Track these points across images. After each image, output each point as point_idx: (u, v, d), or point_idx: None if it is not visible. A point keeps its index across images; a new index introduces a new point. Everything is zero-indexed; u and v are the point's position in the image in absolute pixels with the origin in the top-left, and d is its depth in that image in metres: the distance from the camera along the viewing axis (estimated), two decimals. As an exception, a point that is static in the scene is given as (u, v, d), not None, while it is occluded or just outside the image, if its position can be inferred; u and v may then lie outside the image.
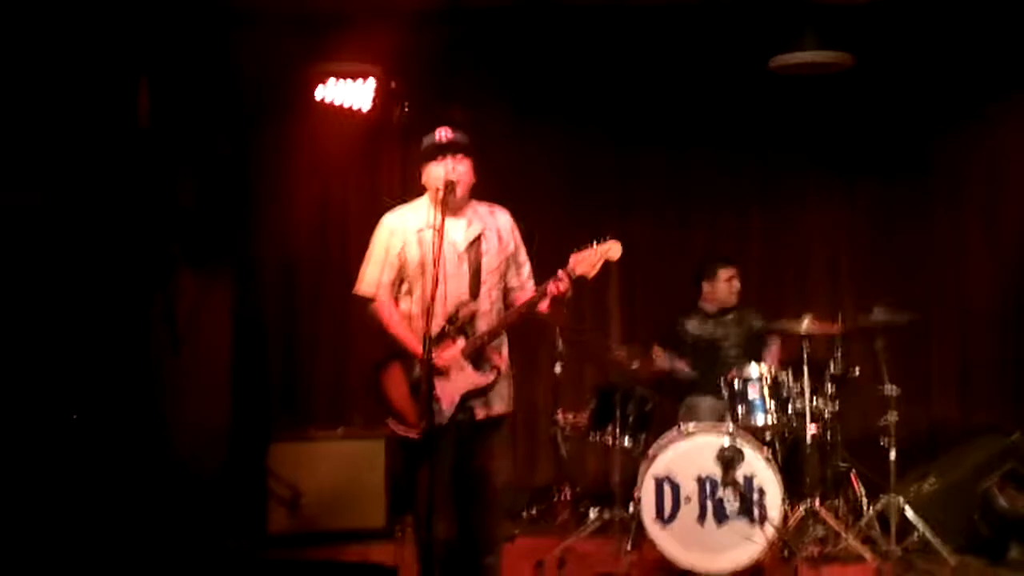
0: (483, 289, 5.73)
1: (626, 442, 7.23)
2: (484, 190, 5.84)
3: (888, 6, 6.89)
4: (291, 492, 7.53)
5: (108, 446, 6.82)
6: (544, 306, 5.62)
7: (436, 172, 5.68)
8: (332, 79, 7.79)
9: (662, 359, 7.81)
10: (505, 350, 5.83)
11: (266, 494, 7.55)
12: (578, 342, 7.74)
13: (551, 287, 5.54)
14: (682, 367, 7.83)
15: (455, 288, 5.65)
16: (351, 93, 7.86)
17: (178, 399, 7.54)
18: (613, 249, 5.59)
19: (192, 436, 7.56)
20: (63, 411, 6.67)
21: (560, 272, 5.55)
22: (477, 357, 5.68)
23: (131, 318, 7.09)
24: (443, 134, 5.74)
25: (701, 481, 6.81)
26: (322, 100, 7.86)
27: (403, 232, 5.74)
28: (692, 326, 7.91)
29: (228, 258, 7.99)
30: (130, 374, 7.04)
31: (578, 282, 5.58)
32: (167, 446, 7.31)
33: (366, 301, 5.78)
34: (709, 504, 6.78)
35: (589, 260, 5.55)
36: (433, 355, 5.47)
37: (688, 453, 6.87)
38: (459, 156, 5.71)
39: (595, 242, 5.59)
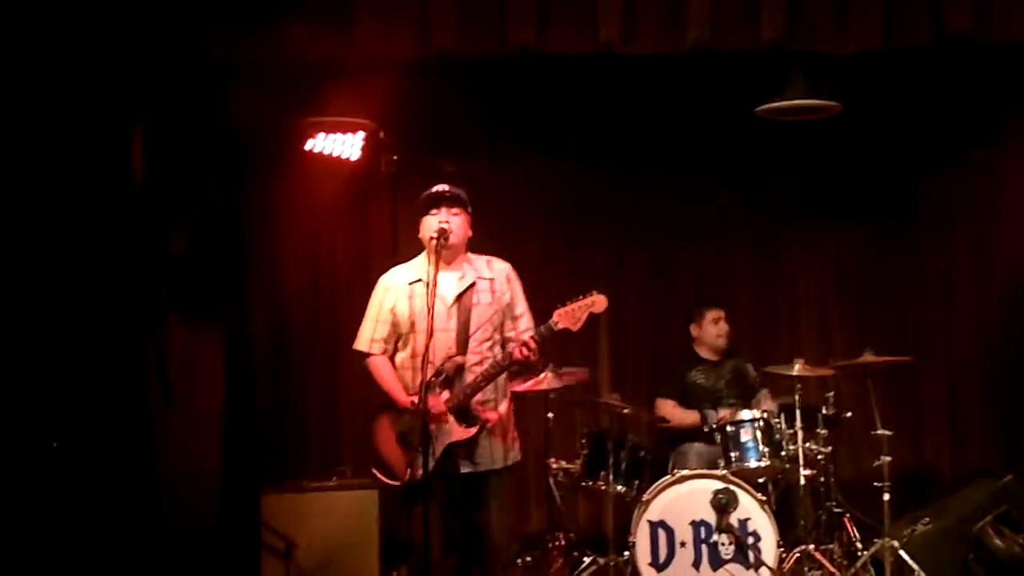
0: (472, 342, 5.76)
1: (619, 488, 7.21)
2: (473, 239, 5.94)
3: (874, 56, 6.80)
4: (284, 543, 7.44)
5: (98, 496, 6.74)
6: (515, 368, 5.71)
7: (430, 223, 5.79)
8: (322, 132, 7.81)
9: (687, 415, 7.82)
10: (504, 406, 5.88)
11: (259, 545, 7.46)
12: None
13: (517, 354, 5.61)
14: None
15: (444, 341, 5.74)
16: (341, 144, 7.89)
17: (169, 449, 7.45)
18: (598, 302, 5.66)
19: (184, 486, 7.45)
20: (49, 457, 6.66)
21: (542, 328, 5.62)
22: (462, 410, 5.72)
23: (121, 366, 7.03)
24: (439, 187, 5.88)
25: (696, 526, 6.83)
26: (312, 151, 7.87)
27: (396, 289, 5.90)
28: (695, 376, 7.91)
29: (219, 308, 7.91)
30: (120, 424, 6.95)
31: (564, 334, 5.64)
32: (158, 496, 7.23)
33: (362, 356, 5.96)
34: (704, 549, 6.81)
35: (573, 314, 5.62)
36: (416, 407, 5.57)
37: (682, 498, 6.88)
38: (454, 208, 5.81)
39: (580, 296, 5.64)
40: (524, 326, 5.91)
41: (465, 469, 5.75)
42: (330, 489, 7.66)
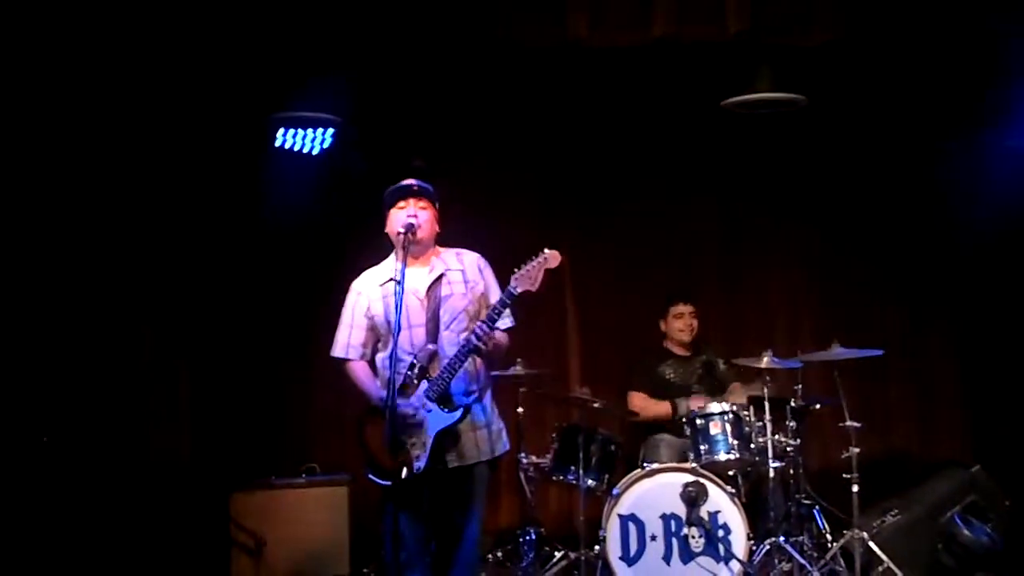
0: (444, 332, 5.75)
1: (590, 482, 7.18)
2: (443, 234, 5.94)
3: (840, 47, 6.90)
4: (254, 541, 7.43)
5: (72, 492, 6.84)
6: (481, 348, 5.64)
7: (398, 217, 5.77)
8: (290, 127, 7.77)
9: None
10: (487, 395, 5.89)
11: (229, 543, 7.45)
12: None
13: (472, 338, 5.58)
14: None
15: (421, 335, 5.74)
16: (309, 141, 7.84)
17: (139, 446, 7.48)
18: (551, 258, 5.63)
19: (153, 483, 7.47)
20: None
21: (502, 294, 5.60)
22: (443, 397, 5.68)
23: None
24: (406, 180, 5.85)
25: (666, 519, 6.82)
26: (281, 147, 7.82)
27: (368, 291, 5.90)
28: (664, 370, 7.91)
29: (191, 306, 7.89)
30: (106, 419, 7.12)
31: (524, 298, 5.60)
32: (127, 494, 7.25)
33: (341, 363, 5.96)
34: (674, 542, 6.80)
35: (529, 275, 5.60)
36: (396, 403, 5.52)
37: (652, 491, 6.88)
38: (422, 201, 5.79)
39: (532, 256, 5.63)
40: None
41: (453, 463, 5.74)
42: (300, 487, 7.67)
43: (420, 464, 5.61)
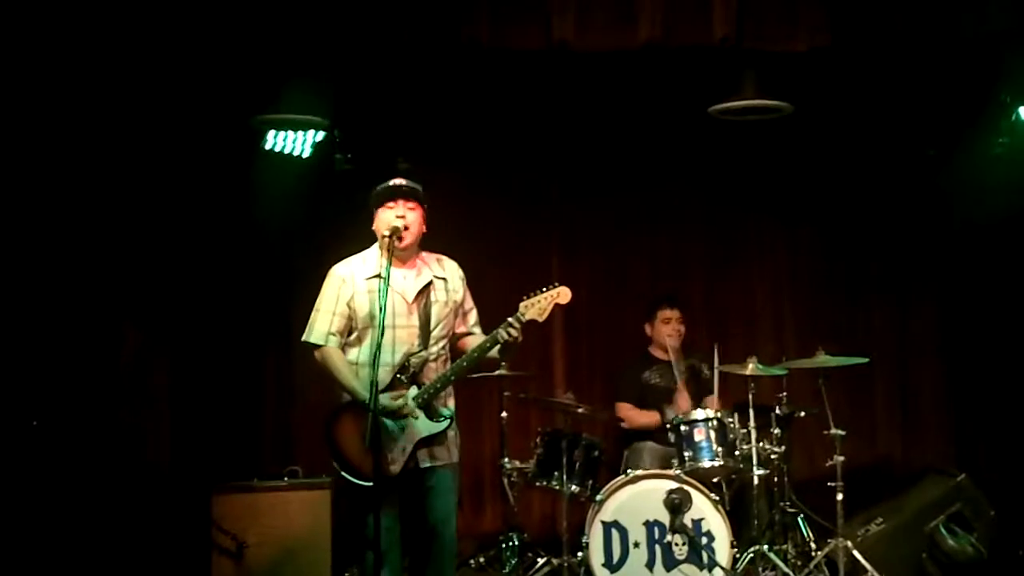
0: (432, 338, 5.74)
1: (573, 488, 7.16)
2: (428, 238, 5.88)
3: (826, 53, 6.84)
4: (235, 543, 7.34)
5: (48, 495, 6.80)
6: (495, 352, 5.66)
7: (385, 217, 5.71)
8: (277, 130, 7.75)
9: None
10: (452, 403, 5.84)
11: (210, 546, 7.35)
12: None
13: (503, 333, 5.57)
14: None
15: (405, 337, 5.69)
16: (295, 143, 7.84)
17: (117, 447, 7.41)
18: (562, 293, 5.67)
19: (132, 485, 7.40)
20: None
21: (511, 319, 5.59)
22: (429, 406, 5.66)
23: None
24: (396, 180, 5.80)
25: (649, 526, 6.79)
26: (268, 149, 7.82)
27: (352, 282, 5.78)
28: (648, 376, 7.89)
29: (172, 305, 7.82)
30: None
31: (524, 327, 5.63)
32: (105, 495, 7.20)
33: (315, 349, 5.81)
34: (658, 549, 6.78)
35: (539, 305, 5.63)
36: (384, 403, 5.50)
37: (636, 498, 6.85)
38: (410, 202, 5.73)
39: (544, 287, 5.66)
40: (473, 320, 5.95)
41: (424, 464, 5.69)
42: (281, 489, 7.58)
43: (396, 468, 5.58)
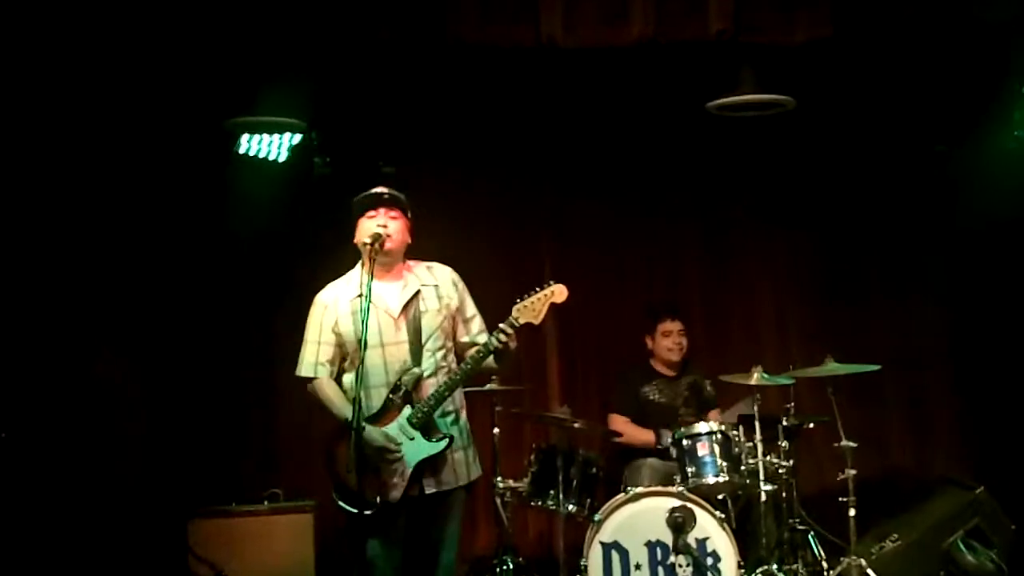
0: (425, 352, 5.69)
1: (570, 507, 7.07)
2: (414, 244, 5.87)
3: (828, 45, 6.83)
4: (213, 571, 7.35)
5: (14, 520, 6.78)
6: (491, 361, 5.59)
7: (366, 227, 5.63)
8: (252, 133, 7.74)
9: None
10: (463, 416, 5.79)
11: (186, 574, 7.38)
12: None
13: (493, 340, 5.51)
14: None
15: (396, 355, 5.64)
16: (271, 146, 7.82)
17: (88, 470, 7.41)
18: (557, 292, 5.63)
19: (105, 509, 7.41)
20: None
21: (502, 324, 5.52)
22: (426, 425, 5.55)
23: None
24: (377, 188, 5.77)
25: (651, 546, 6.73)
26: (242, 154, 7.78)
27: (335, 307, 5.76)
28: (649, 391, 7.81)
29: (147, 318, 7.82)
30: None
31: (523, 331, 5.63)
32: (76, 520, 7.17)
33: (307, 382, 5.83)
34: (660, 571, 6.68)
35: (533, 307, 5.59)
36: (375, 426, 5.51)
37: (636, 517, 6.79)
38: (392, 211, 5.66)
39: (538, 288, 5.64)
40: (477, 328, 5.85)
41: (430, 489, 5.64)
42: (262, 513, 7.59)
43: (397, 493, 5.53)
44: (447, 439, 5.60)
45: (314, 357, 5.76)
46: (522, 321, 5.56)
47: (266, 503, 7.62)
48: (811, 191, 8.67)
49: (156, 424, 7.87)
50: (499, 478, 7.37)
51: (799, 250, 8.80)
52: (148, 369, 7.87)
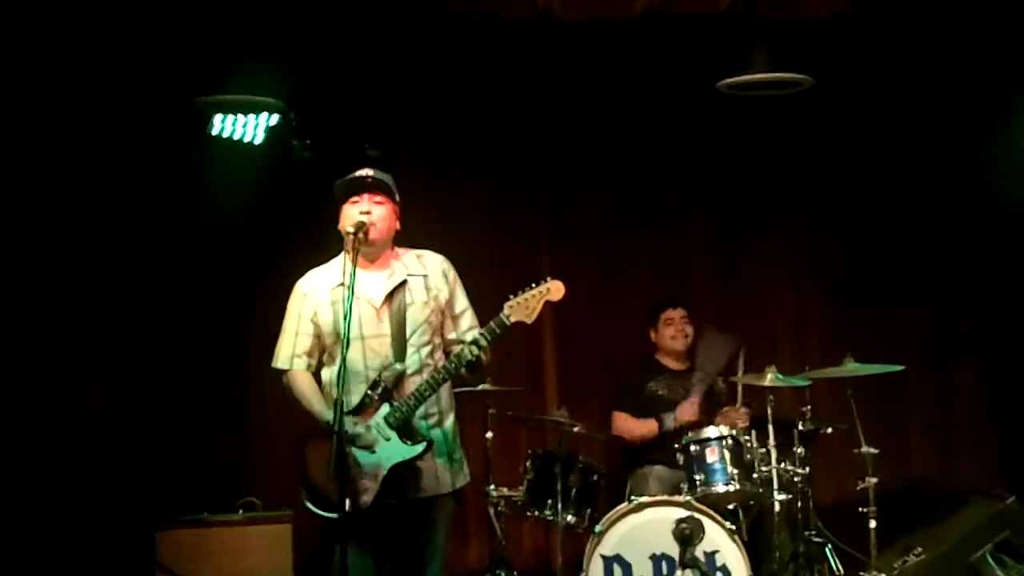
0: (409, 347, 5.56)
1: (569, 517, 6.99)
2: (399, 236, 5.76)
3: (849, 19, 6.83)
4: (183, 587, 7.17)
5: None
6: (463, 372, 5.47)
7: (349, 213, 5.54)
8: (225, 113, 7.59)
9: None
10: (449, 420, 5.67)
11: (154, 588, 7.20)
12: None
13: (467, 353, 5.38)
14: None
15: (377, 349, 5.51)
16: (246, 128, 7.67)
17: (44, 478, 7.29)
18: (553, 289, 5.47)
19: (63, 521, 7.28)
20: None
21: (492, 322, 5.41)
22: (404, 425, 5.44)
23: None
24: (361, 171, 5.65)
25: (656, 560, 6.64)
26: (215, 136, 7.63)
27: (315, 295, 5.67)
28: (653, 386, 7.67)
29: (112, 318, 7.70)
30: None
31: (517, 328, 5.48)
32: (32, 533, 7.06)
33: (281, 375, 5.72)
34: (665, 587, 6.53)
35: (527, 305, 5.44)
36: (350, 425, 5.35)
37: (640, 528, 6.71)
38: (378, 196, 5.55)
39: (532, 284, 5.48)
40: (467, 325, 5.70)
41: (410, 495, 5.49)
42: (236, 524, 7.45)
43: (368, 498, 5.36)
44: (425, 443, 5.42)
45: (291, 349, 5.66)
46: (513, 319, 5.40)
47: (241, 512, 7.47)
48: (829, 178, 8.55)
49: (120, 427, 7.72)
50: (492, 486, 7.28)
51: (816, 241, 8.68)
52: (112, 368, 7.74)
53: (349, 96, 7.95)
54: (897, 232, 8.57)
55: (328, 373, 5.62)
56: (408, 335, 5.53)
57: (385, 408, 5.41)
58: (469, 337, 5.54)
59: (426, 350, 5.56)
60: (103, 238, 7.64)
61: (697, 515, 6.61)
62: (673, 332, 7.69)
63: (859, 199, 8.54)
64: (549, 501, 7.00)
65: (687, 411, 7.34)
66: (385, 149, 7.34)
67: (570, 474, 7.03)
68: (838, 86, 7.89)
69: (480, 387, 7.09)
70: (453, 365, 5.41)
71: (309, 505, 5.49)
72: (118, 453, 7.69)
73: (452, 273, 5.74)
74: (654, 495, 6.94)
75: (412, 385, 5.47)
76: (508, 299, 5.44)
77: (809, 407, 7.20)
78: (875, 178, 8.51)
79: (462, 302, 5.72)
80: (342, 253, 5.62)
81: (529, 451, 7.31)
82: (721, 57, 7.48)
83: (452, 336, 5.67)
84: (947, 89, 7.95)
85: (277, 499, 7.48)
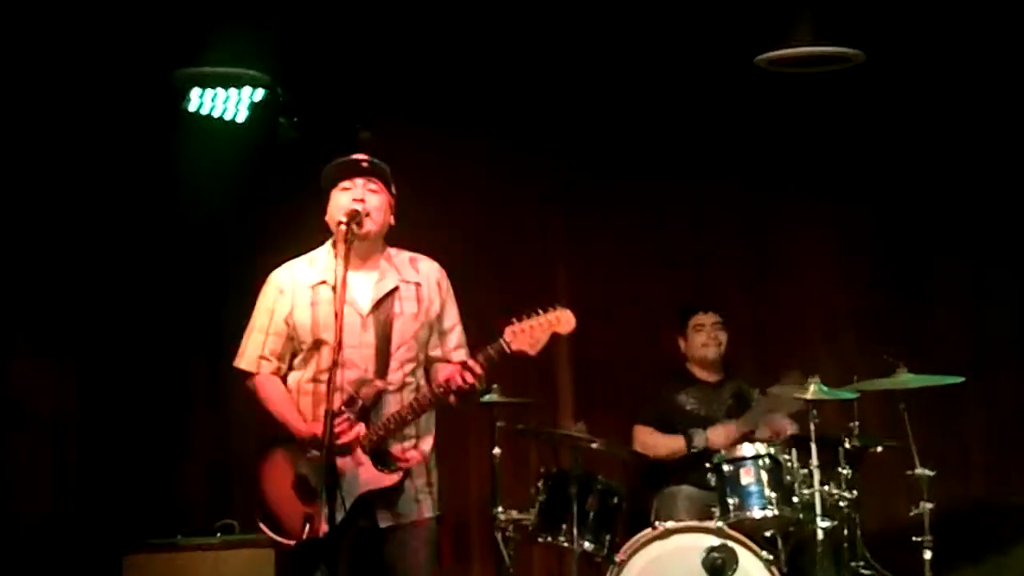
0: (393, 362, 5.34)
1: (586, 544, 6.75)
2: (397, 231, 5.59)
3: None
4: (153, 615, 7.00)
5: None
6: (452, 400, 5.26)
7: (340, 200, 5.30)
8: (204, 87, 7.47)
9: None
10: (427, 444, 5.43)
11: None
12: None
13: (455, 379, 5.16)
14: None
15: (357, 359, 5.28)
16: (227, 104, 7.59)
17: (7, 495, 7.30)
18: (563, 320, 5.26)
19: (24, 544, 7.25)
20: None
21: (490, 348, 5.21)
22: (380, 450, 5.24)
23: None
24: (355, 155, 5.44)
25: None
26: (191, 113, 7.51)
27: (293, 290, 5.44)
28: (682, 399, 7.43)
29: (74, 314, 7.64)
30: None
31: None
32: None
33: (246, 377, 5.50)
34: (694, 624, 6.44)
35: (531, 334, 5.22)
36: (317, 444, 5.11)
37: (666, 558, 6.54)
38: (372, 182, 5.33)
39: (539, 310, 5.26)
40: (454, 343, 5.49)
41: (385, 522, 5.27)
42: (213, 548, 7.36)
43: (324, 526, 5.05)
44: (400, 473, 5.22)
45: (258, 349, 5.42)
46: (515, 348, 5.18)
47: (219, 535, 7.37)
48: (882, 162, 8.28)
49: (81, 436, 7.67)
50: (500, 508, 7.07)
51: (865, 233, 8.42)
52: (70, 369, 7.67)
53: (341, 70, 7.82)
54: (957, 222, 8.28)
55: (296, 379, 5.40)
56: (393, 349, 5.33)
57: (360, 428, 5.21)
58: (455, 357, 5.43)
59: (410, 367, 5.37)
60: (72, 226, 7.58)
61: (730, 543, 6.45)
62: (704, 339, 7.48)
63: (913, 185, 8.28)
64: (563, 526, 6.77)
65: (721, 435, 7.10)
66: (379, 131, 7.23)
67: (587, 496, 6.83)
68: (892, 60, 7.63)
69: (486, 398, 6.87)
70: (440, 391, 5.20)
71: (263, 527, 5.33)
72: (78, 466, 7.63)
73: (446, 283, 5.57)
74: (682, 520, 6.75)
75: (391, 405, 5.29)
76: (511, 323, 5.23)
77: (857, 423, 6.97)
78: (931, 163, 8.27)
79: (452, 317, 5.54)
80: (325, 245, 5.45)
81: (541, 470, 7.10)
82: (759, 28, 7.20)
83: (436, 353, 5.47)
84: (1011, 69, 7.67)
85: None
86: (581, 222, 8.46)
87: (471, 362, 5.18)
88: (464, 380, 5.17)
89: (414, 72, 7.99)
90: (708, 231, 8.54)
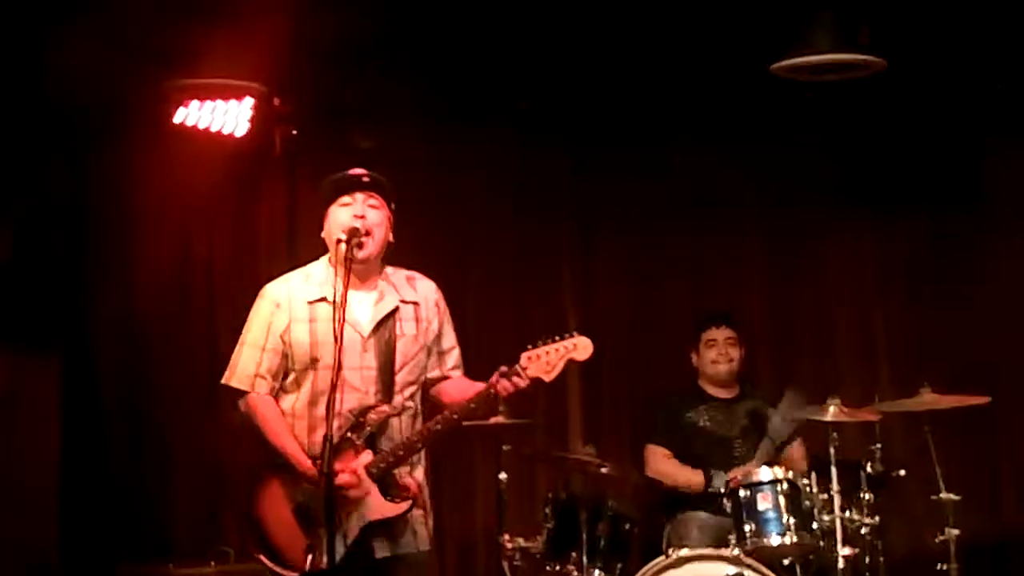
0: (397, 386, 5.30)
1: (596, 573, 6.74)
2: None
3: None
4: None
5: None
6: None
7: (340, 217, 5.24)
8: (196, 99, 7.45)
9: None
10: (420, 472, 5.37)
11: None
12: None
13: (501, 386, 5.11)
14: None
15: (358, 383, 5.23)
16: (221, 115, 7.56)
17: None
18: (580, 347, 5.20)
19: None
20: None
21: (505, 368, 5.13)
22: (386, 479, 5.16)
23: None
24: (354, 170, 5.40)
25: None
26: (183, 125, 7.47)
27: (289, 307, 5.33)
28: (696, 416, 7.36)
29: (57, 330, 7.61)
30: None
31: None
32: None
33: (238, 396, 5.35)
34: (709, 653, 6.43)
35: (548, 360, 5.17)
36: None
37: None
38: (373, 198, 5.29)
39: (556, 336, 5.20)
40: (452, 363, 5.48)
41: (382, 553, 5.20)
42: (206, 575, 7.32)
43: (325, 559, 4.94)
44: (410, 502, 5.17)
45: (252, 366, 5.30)
46: (531, 375, 5.14)
47: (213, 564, 7.28)
48: (906, 173, 8.27)
49: (71, 460, 7.59)
50: (506, 536, 7.04)
51: (888, 246, 8.45)
52: (58, 378, 7.62)
53: (339, 74, 7.73)
54: (983, 236, 8.27)
55: (288, 402, 5.32)
56: (396, 371, 5.30)
57: (366, 456, 5.16)
58: (457, 375, 5.47)
59: (410, 390, 5.35)
60: (59, 242, 7.55)
61: (747, 571, 6.40)
62: (715, 356, 7.41)
63: (939, 198, 8.23)
64: (572, 553, 6.78)
65: (743, 476, 6.96)
66: (380, 139, 7.32)
67: (598, 522, 6.82)
68: (917, 68, 7.59)
69: (492, 420, 6.80)
70: (456, 416, 5.15)
71: (262, 558, 5.24)
72: (71, 489, 7.56)
73: (443, 303, 5.55)
74: (696, 547, 6.70)
75: (396, 430, 5.27)
76: (527, 348, 5.19)
77: (879, 445, 6.82)
78: (958, 174, 8.24)
79: (450, 337, 5.53)
80: (322, 260, 5.40)
81: (549, 495, 7.10)
82: (776, 33, 7.15)
83: (435, 374, 5.45)
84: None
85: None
86: (592, 237, 8.46)
87: (504, 369, 5.15)
88: (512, 387, 5.15)
89: (417, 77, 7.84)
90: (732, 243, 8.49)
